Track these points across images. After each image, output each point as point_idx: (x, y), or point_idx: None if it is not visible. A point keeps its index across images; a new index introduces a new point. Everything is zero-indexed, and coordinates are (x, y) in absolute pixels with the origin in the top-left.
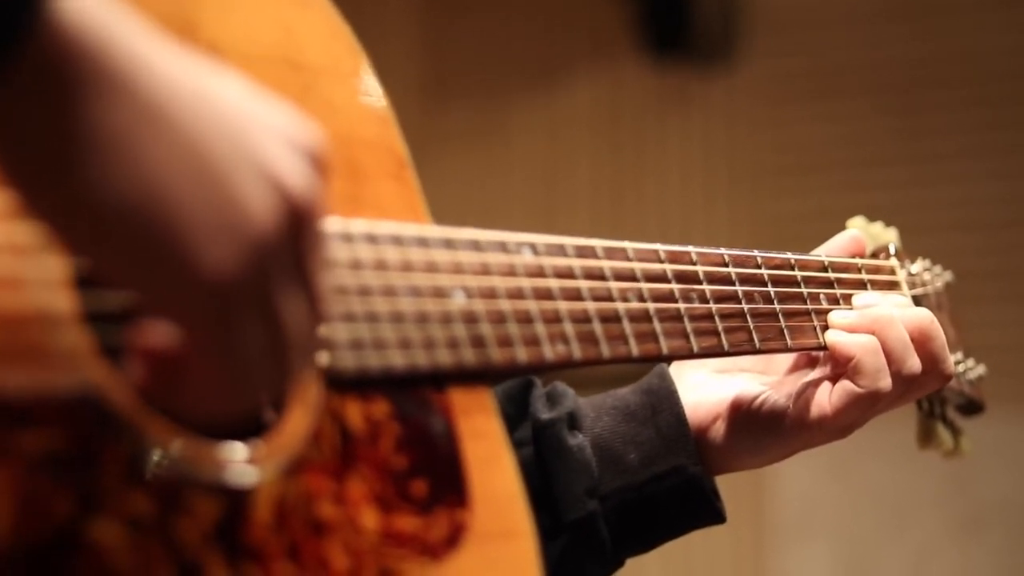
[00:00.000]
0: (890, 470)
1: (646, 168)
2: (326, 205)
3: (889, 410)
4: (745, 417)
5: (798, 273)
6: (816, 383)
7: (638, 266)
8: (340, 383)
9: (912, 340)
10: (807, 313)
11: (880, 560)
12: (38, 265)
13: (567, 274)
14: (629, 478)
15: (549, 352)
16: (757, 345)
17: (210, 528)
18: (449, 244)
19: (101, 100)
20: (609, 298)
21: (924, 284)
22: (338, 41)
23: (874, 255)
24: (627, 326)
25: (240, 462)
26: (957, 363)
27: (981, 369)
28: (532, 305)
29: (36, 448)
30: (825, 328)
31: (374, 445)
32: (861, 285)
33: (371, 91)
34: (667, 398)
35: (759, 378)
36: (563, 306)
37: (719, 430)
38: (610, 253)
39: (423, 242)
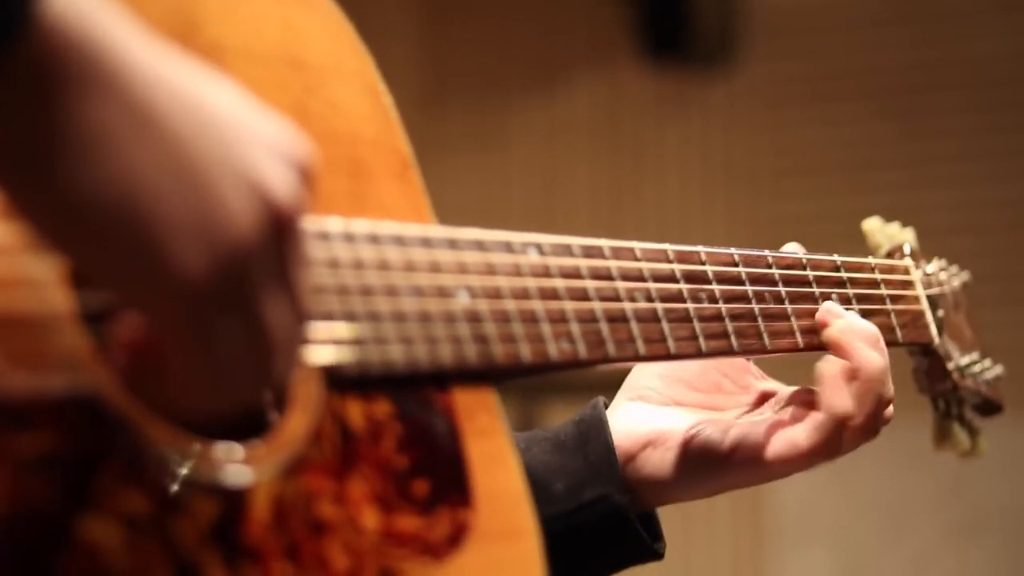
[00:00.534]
0: (888, 476)
1: (645, 171)
2: (308, 213)
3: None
4: (677, 448)
5: (810, 273)
6: (778, 419)
7: (646, 266)
8: (341, 383)
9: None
10: None
11: (878, 565)
12: (36, 265)
13: (573, 274)
14: (556, 508)
15: (553, 350)
16: (767, 345)
17: (208, 528)
18: (453, 244)
19: (86, 97)
20: (616, 298)
21: (940, 284)
22: (341, 41)
23: (889, 255)
24: (634, 326)
25: (237, 462)
26: (974, 363)
27: (999, 369)
28: (537, 305)
29: (33, 448)
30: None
31: (375, 445)
32: (874, 285)
33: (375, 91)
34: (597, 427)
35: (700, 413)
36: (569, 306)
37: (648, 459)
38: (617, 253)
39: (426, 242)
